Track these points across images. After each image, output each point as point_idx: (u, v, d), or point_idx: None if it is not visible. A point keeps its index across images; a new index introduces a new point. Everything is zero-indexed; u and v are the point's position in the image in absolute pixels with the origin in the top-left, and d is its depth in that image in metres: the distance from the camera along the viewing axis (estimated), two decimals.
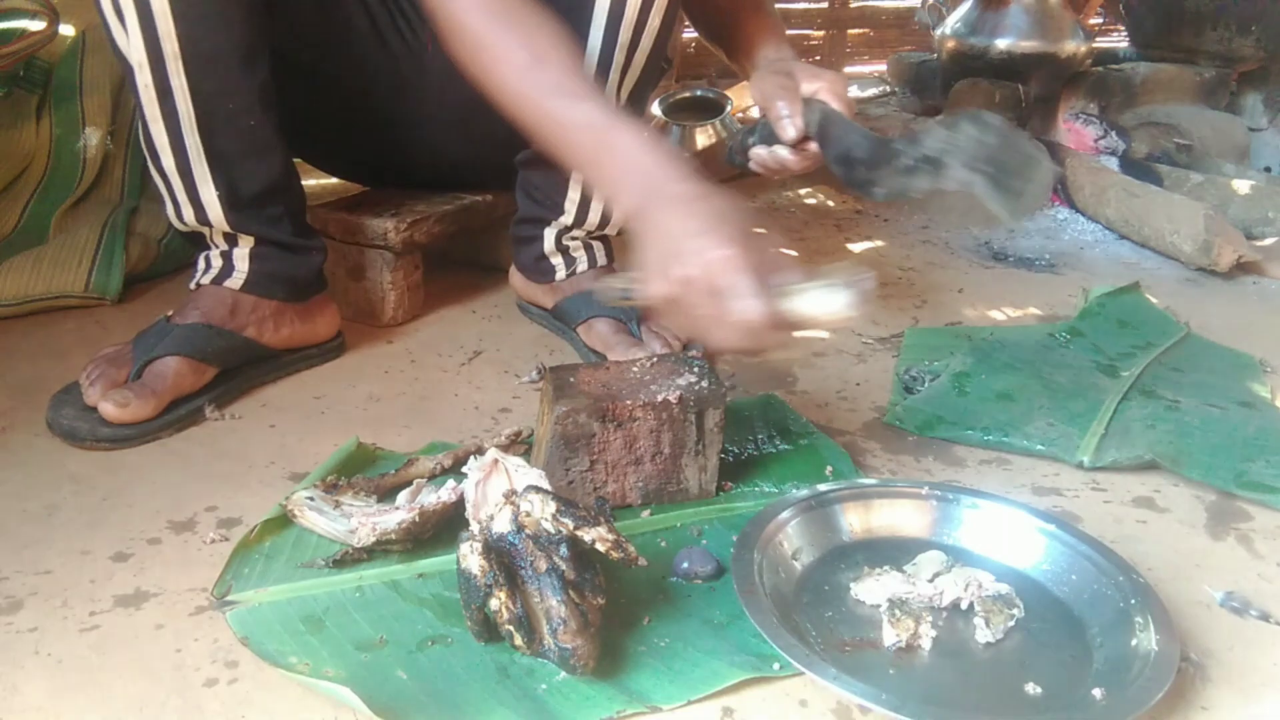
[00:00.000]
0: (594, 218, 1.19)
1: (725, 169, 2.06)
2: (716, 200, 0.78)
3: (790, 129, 1.00)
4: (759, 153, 1.05)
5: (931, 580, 0.77)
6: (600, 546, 0.69)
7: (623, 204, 0.83)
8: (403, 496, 0.85)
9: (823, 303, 0.74)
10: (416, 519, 0.80)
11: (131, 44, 0.95)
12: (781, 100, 1.00)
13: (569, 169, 0.92)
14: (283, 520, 0.84)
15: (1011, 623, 0.74)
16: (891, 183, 0.92)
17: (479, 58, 0.90)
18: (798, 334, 0.76)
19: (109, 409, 0.97)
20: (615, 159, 0.82)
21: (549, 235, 1.22)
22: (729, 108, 2.13)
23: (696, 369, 0.91)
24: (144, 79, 0.97)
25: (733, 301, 0.72)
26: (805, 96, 1.01)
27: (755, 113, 1.09)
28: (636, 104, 1.17)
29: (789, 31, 3.09)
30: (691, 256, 0.74)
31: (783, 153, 1.03)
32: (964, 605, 0.75)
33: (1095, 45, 2.13)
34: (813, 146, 1.01)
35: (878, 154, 0.93)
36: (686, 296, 0.75)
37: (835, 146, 0.97)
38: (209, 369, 1.05)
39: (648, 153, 0.81)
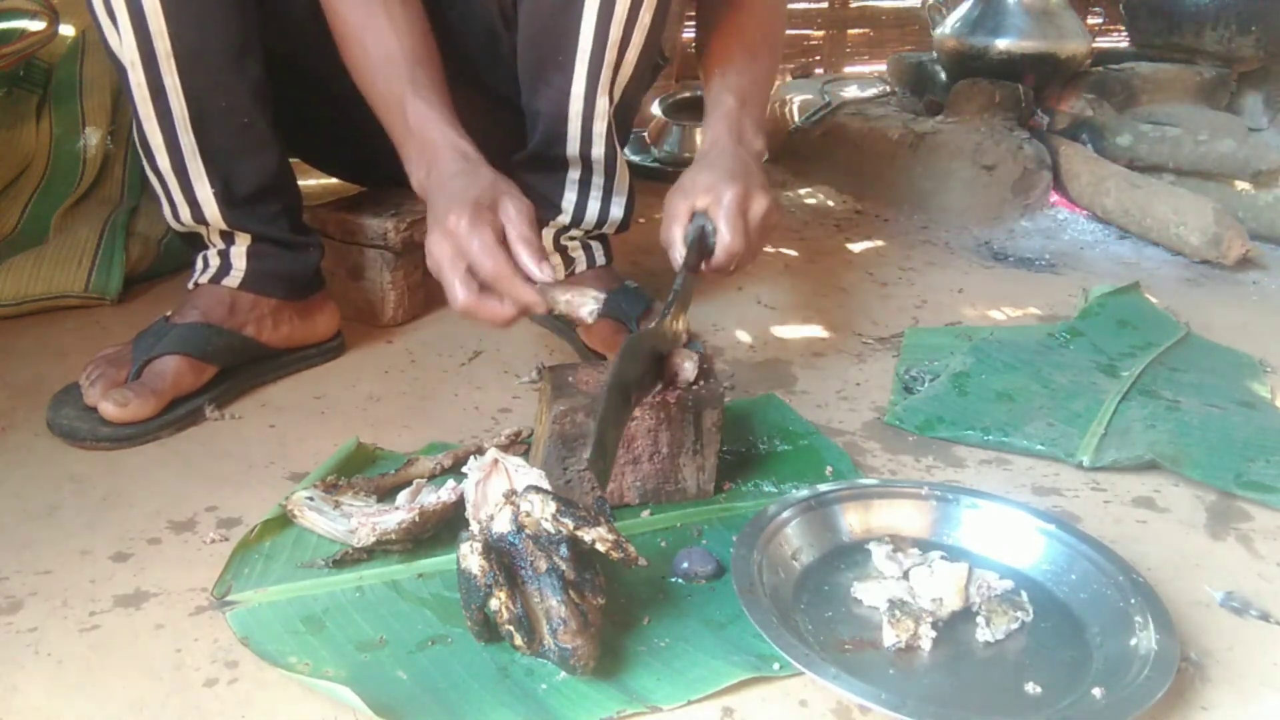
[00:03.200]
0: (591, 217, 1.19)
1: None
2: (464, 180, 0.90)
3: (676, 257, 0.96)
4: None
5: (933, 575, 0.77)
6: (600, 546, 0.69)
7: (414, 181, 0.97)
8: (403, 496, 0.85)
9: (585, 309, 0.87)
10: (416, 519, 0.80)
11: (124, 44, 0.95)
12: (671, 226, 0.97)
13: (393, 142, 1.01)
14: (283, 520, 0.84)
15: (1016, 624, 0.74)
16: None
17: (333, 28, 1.01)
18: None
19: (109, 409, 0.97)
20: (412, 138, 0.96)
21: (547, 235, 1.22)
22: None
23: (695, 367, 0.91)
24: (137, 78, 0.97)
25: (473, 263, 0.84)
26: (697, 210, 0.97)
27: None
28: (631, 100, 1.17)
29: (789, 32, 3.09)
30: (435, 230, 0.87)
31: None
32: (974, 608, 0.75)
33: (1095, 45, 2.13)
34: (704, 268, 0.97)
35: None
36: (437, 264, 0.86)
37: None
38: (209, 368, 1.05)
39: (433, 132, 0.95)
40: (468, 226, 0.84)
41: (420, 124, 0.96)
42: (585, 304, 0.87)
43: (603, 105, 1.08)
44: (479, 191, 0.88)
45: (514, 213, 0.87)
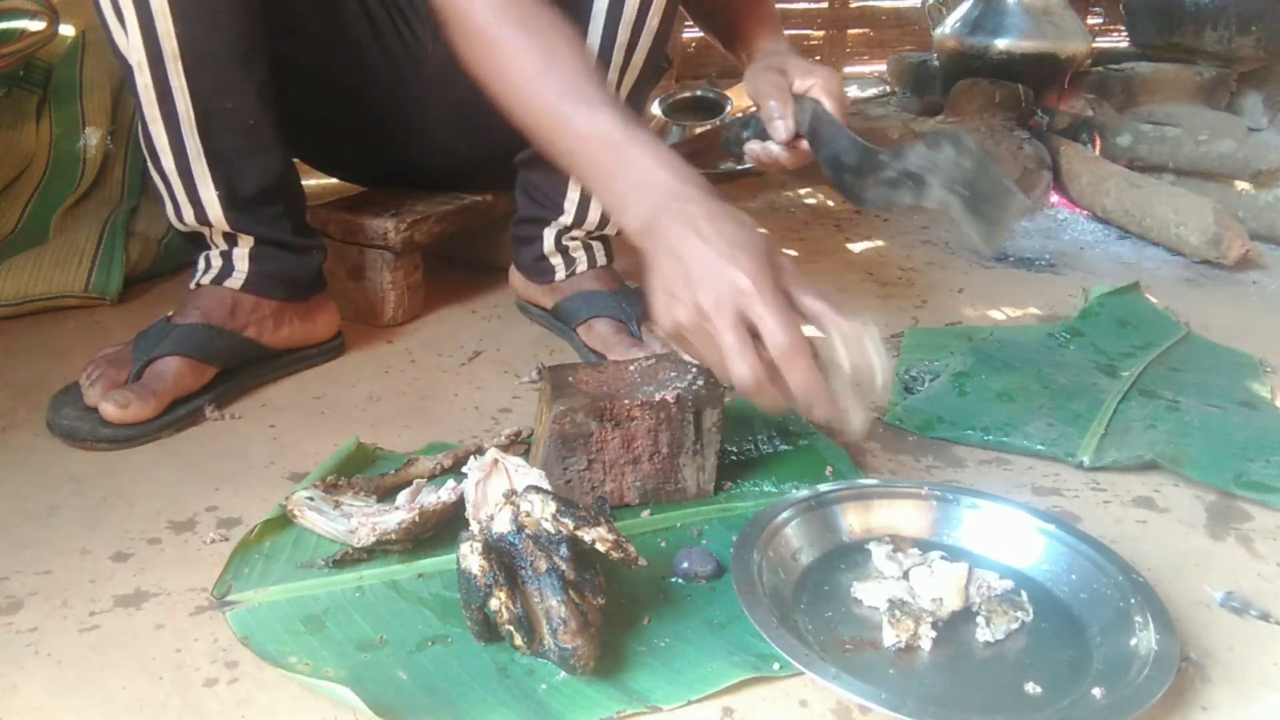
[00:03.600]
0: (593, 217, 1.19)
1: (722, 161, 2.06)
2: (736, 220, 0.75)
3: (781, 129, 0.99)
4: (753, 148, 1.04)
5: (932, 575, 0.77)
6: (600, 547, 0.69)
7: (632, 219, 0.79)
8: (403, 496, 0.85)
9: (856, 350, 0.72)
10: (416, 519, 0.80)
11: (131, 44, 0.95)
12: (773, 99, 0.99)
13: (575, 177, 0.90)
14: (283, 520, 0.84)
15: (1016, 625, 0.74)
16: (876, 192, 0.93)
17: (487, 59, 0.87)
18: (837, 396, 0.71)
19: (109, 409, 0.97)
20: (627, 171, 0.79)
21: (548, 235, 1.22)
22: (729, 108, 2.14)
23: (695, 369, 0.91)
24: (143, 79, 0.97)
25: (761, 333, 0.69)
26: (797, 94, 1.00)
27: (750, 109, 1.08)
28: (636, 103, 1.17)
29: (789, 32, 3.09)
30: (710, 282, 0.71)
31: (775, 149, 1.02)
32: (974, 608, 0.75)
33: (1095, 45, 2.13)
34: (804, 145, 1.00)
35: (864, 163, 0.93)
36: (703, 326, 0.72)
37: (825, 149, 0.97)
38: (209, 369, 1.05)
39: (662, 166, 0.78)
40: (759, 286, 0.70)
41: (643, 160, 0.79)
42: (854, 418, 0.75)
43: None
44: (758, 242, 0.73)
45: (793, 267, 0.74)
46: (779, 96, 0.99)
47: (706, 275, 0.72)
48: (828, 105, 0.98)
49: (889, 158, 0.91)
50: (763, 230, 0.76)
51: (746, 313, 0.71)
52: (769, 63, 1.04)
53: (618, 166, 0.80)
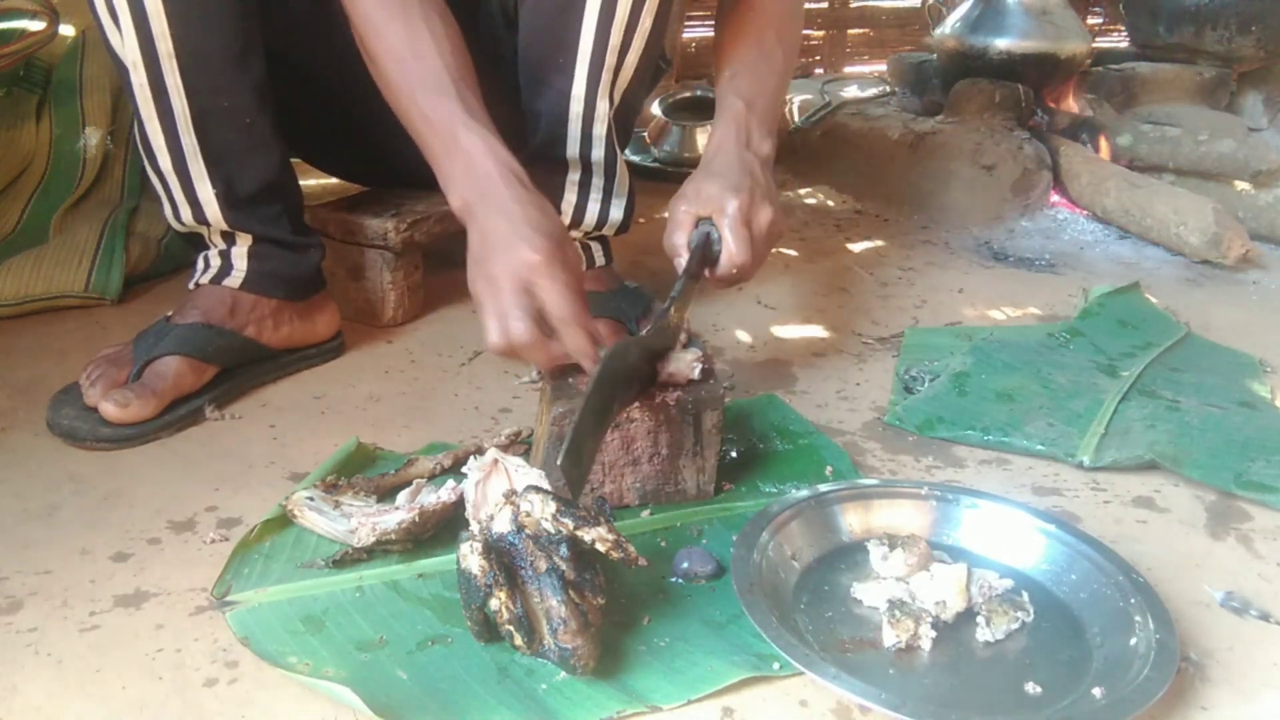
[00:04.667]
0: (590, 218, 1.19)
1: None
2: (540, 208, 0.86)
3: (679, 264, 0.96)
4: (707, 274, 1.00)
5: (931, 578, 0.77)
6: (600, 547, 0.69)
7: (455, 198, 0.90)
8: (403, 496, 0.85)
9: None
10: (416, 519, 0.80)
11: (126, 44, 0.95)
12: (675, 232, 0.97)
13: (423, 155, 0.96)
14: (283, 520, 0.84)
15: (1016, 625, 0.74)
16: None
17: (366, 41, 0.96)
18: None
19: (109, 409, 0.97)
20: (458, 158, 0.90)
21: None
22: None
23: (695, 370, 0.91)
24: (139, 79, 0.97)
25: (539, 301, 0.81)
26: (701, 216, 0.96)
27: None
28: (632, 104, 1.17)
29: None
30: (504, 253, 0.82)
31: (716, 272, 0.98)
32: (975, 608, 0.75)
33: (1095, 45, 2.13)
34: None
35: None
36: (491, 292, 0.83)
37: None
38: (209, 369, 1.05)
39: (488, 158, 0.89)
40: (547, 262, 0.81)
41: (473, 147, 0.90)
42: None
43: (603, 108, 1.08)
44: (554, 228, 0.85)
45: (576, 262, 0.85)
46: (679, 225, 0.97)
47: (501, 248, 0.83)
48: (724, 231, 0.94)
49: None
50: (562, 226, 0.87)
51: (530, 284, 0.82)
52: (685, 188, 1.00)
53: (452, 152, 0.90)
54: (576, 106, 1.07)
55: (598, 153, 1.12)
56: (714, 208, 0.95)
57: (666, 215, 0.99)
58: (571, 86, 1.06)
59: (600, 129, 1.10)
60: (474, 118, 0.91)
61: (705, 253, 0.95)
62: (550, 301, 0.82)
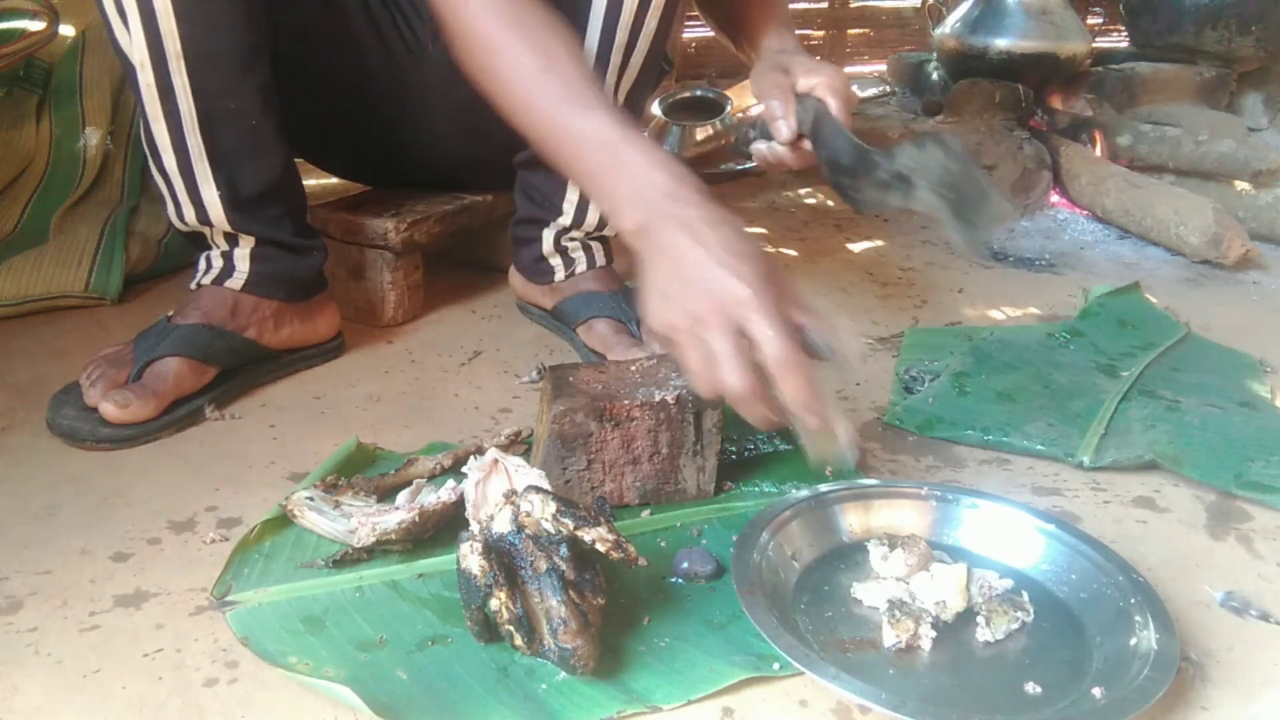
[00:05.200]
0: (592, 218, 1.19)
1: (723, 161, 2.06)
2: (734, 228, 0.74)
3: (783, 129, 0.98)
4: (759, 148, 1.03)
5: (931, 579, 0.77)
6: (600, 547, 0.69)
7: (627, 220, 0.78)
8: (403, 496, 0.85)
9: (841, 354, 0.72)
10: (416, 519, 0.80)
11: (134, 43, 0.95)
12: (775, 98, 0.99)
13: (573, 180, 0.91)
14: (283, 520, 0.84)
15: (1016, 625, 0.74)
16: (869, 194, 0.93)
17: (487, 62, 0.87)
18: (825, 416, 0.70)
19: (109, 409, 0.97)
20: (623, 173, 0.79)
21: (547, 236, 1.22)
22: (729, 108, 2.13)
23: None
24: (146, 78, 0.97)
25: (754, 343, 0.69)
26: (801, 93, 0.99)
27: (755, 112, 1.08)
28: (634, 105, 1.17)
29: None
30: (706, 287, 0.70)
31: (780, 149, 1.01)
32: (975, 608, 0.75)
33: (1095, 45, 2.13)
34: (807, 145, 1.00)
35: (859, 164, 0.93)
36: (695, 331, 0.71)
37: (823, 150, 0.97)
38: (209, 369, 1.05)
39: (659, 169, 0.77)
40: (760, 298, 0.69)
41: (639, 162, 0.78)
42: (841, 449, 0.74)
43: None
44: (756, 252, 0.73)
45: (794, 290, 0.73)
46: (781, 96, 0.99)
47: (703, 280, 0.71)
48: (831, 105, 0.97)
49: (881, 159, 0.91)
50: (758, 242, 0.75)
51: (742, 323, 0.70)
52: (773, 61, 1.03)
53: (614, 169, 0.79)
54: None
55: None
56: (824, 79, 0.96)
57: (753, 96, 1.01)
58: None
59: None
60: (632, 130, 0.80)
61: (817, 131, 0.97)
62: (768, 345, 0.69)
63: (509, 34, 0.85)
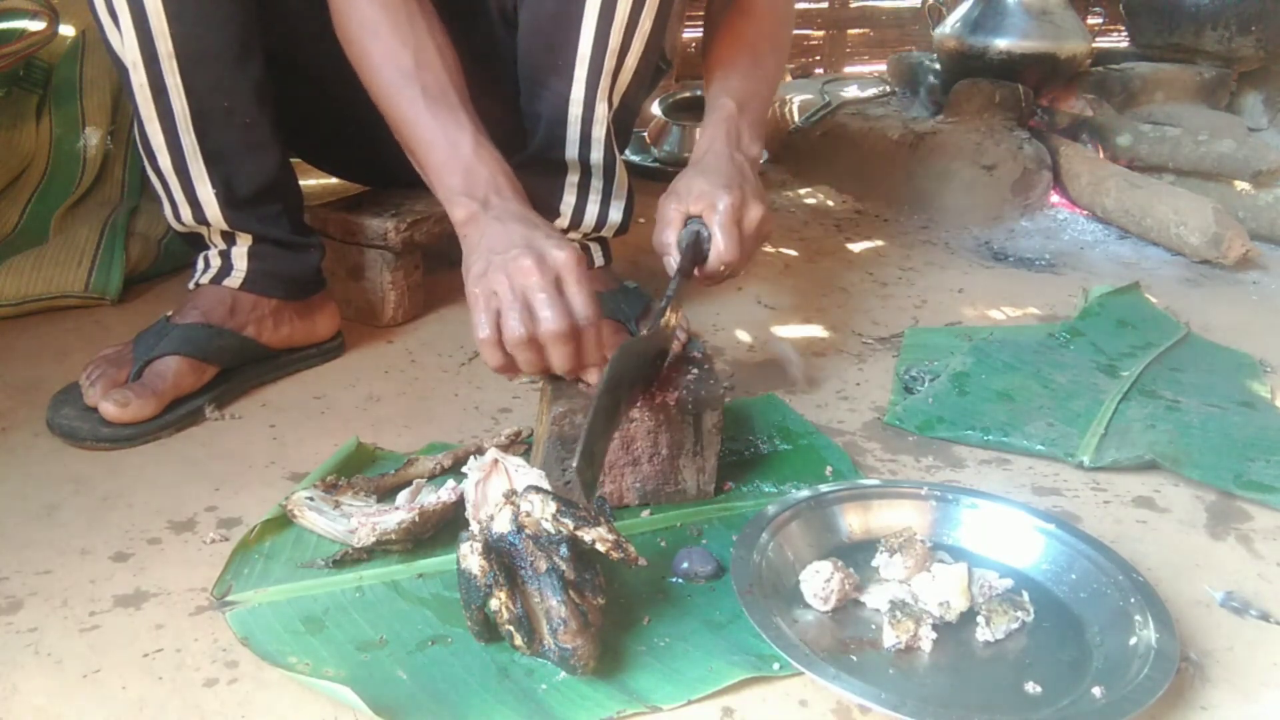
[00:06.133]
0: (589, 221, 1.19)
1: None
2: (531, 224, 0.87)
3: (670, 262, 0.96)
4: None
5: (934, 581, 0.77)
6: (600, 547, 0.69)
7: (460, 211, 0.91)
8: (403, 496, 0.85)
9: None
10: (416, 519, 0.80)
11: (125, 44, 0.95)
12: (664, 230, 0.97)
13: (416, 164, 0.98)
14: (283, 520, 0.84)
15: (1016, 624, 0.74)
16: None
17: (360, 43, 0.97)
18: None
19: (109, 409, 0.97)
20: (457, 170, 0.92)
21: None
22: None
23: (696, 370, 0.91)
24: (139, 79, 0.97)
25: (533, 318, 0.81)
26: (691, 214, 0.97)
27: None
28: (630, 107, 1.17)
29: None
30: (506, 270, 0.83)
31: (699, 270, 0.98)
32: (975, 607, 0.75)
33: (1095, 45, 2.13)
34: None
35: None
36: (490, 305, 0.83)
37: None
38: (209, 368, 1.05)
39: (497, 169, 0.92)
40: (577, 262, 0.83)
41: (480, 159, 0.92)
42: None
43: (601, 110, 1.08)
44: (548, 238, 0.85)
45: (572, 263, 0.84)
46: (669, 222, 0.97)
47: (525, 248, 0.84)
48: (715, 230, 0.94)
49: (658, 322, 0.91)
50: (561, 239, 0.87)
51: (561, 283, 0.83)
52: (678, 180, 1.01)
53: (451, 163, 0.92)
54: (575, 109, 1.07)
55: (596, 155, 1.12)
56: (705, 205, 0.96)
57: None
58: (570, 89, 1.06)
59: (599, 131, 1.10)
60: (479, 129, 0.93)
61: (696, 250, 0.95)
62: (578, 300, 0.82)
63: (387, 22, 0.95)
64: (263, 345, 1.10)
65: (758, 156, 1.07)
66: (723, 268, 0.95)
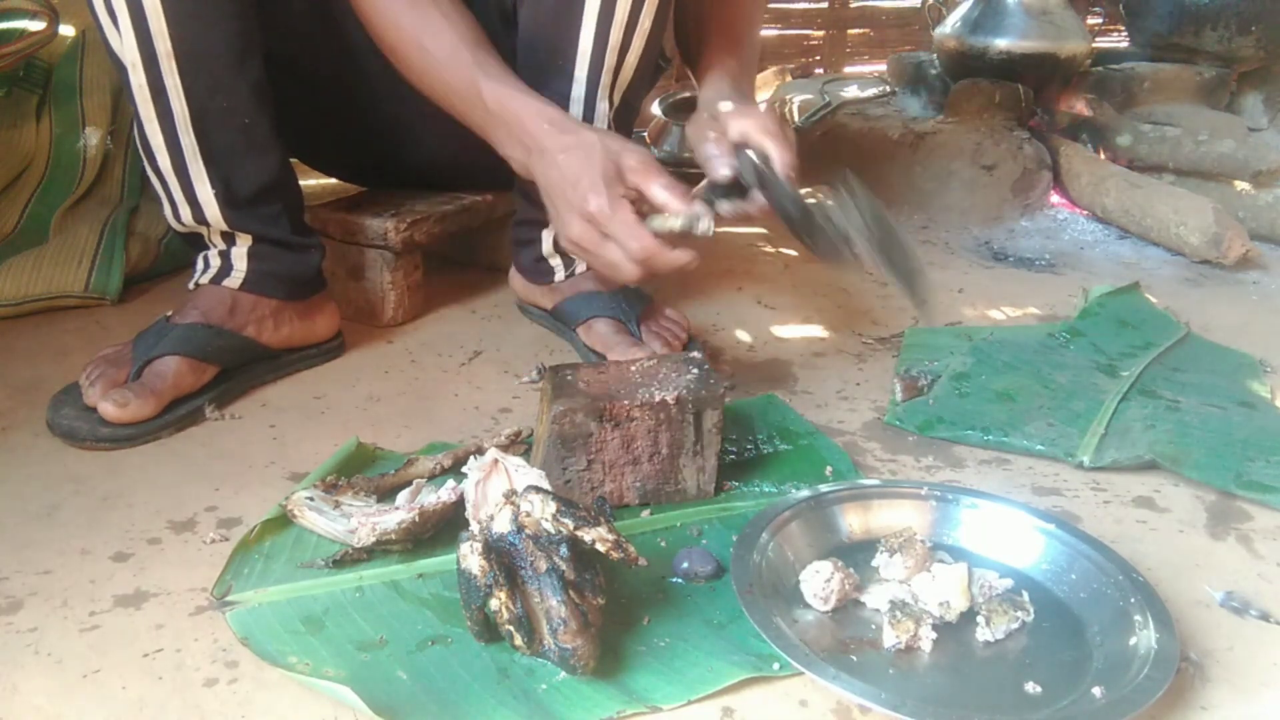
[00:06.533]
0: None
1: None
2: (583, 153, 0.89)
3: (720, 168, 0.95)
4: (723, 208, 0.98)
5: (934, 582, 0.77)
6: (600, 547, 0.69)
7: (515, 166, 0.97)
8: (403, 496, 0.85)
9: (688, 224, 0.89)
10: (416, 519, 0.80)
11: (125, 44, 0.96)
12: (709, 144, 0.97)
13: (470, 127, 1.01)
14: (283, 520, 0.84)
15: (1016, 624, 0.74)
16: (825, 249, 0.94)
17: (384, 38, 1.01)
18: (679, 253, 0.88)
19: (109, 409, 0.97)
20: (498, 124, 0.95)
21: (547, 237, 1.22)
22: None
23: (696, 369, 0.91)
24: (138, 79, 0.97)
25: (619, 249, 0.87)
26: (735, 142, 0.96)
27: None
28: (631, 104, 1.17)
29: (789, 32, 3.08)
30: (569, 214, 0.88)
31: (742, 204, 0.97)
32: (975, 607, 0.75)
33: (1095, 45, 2.13)
34: (759, 196, 0.96)
35: (804, 222, 0.93)
36: (580, 251, 0.90)
37: (774, 205, 0.94)
38: (209, 368, 1.05)
39: (526, 108, 0.93)
40: (608, 209, 0.87)
41: (500, 103, 0.95)
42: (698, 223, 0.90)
43: (602, 109, 1.08)
44: (600, 163, 0.88)
45: (639, 166, 0.89)
46: (715, 142, 0.96)
47: (568, 210, 0.89)
48: (769, 150, 0.93)
49: (823, 219, 0.92)
50: (614, 142, 0.91)
51: (605, 231, 0.89)
52: (708, 108, 1.01)
53: (490, 120, 0.96)
54: (576, 108, 1.08)
55: None
56: (752, 124, 0.95)
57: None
58: (571, 88, 1.06)
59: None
60: (493, 77, 0.95)
61: (762, 179, 0.95)
62: (625, 248, 0.87)
63: (396, 9, 0.99)
64: (263, 345, 1.10)
65: None
66: (792, 174, 0.95)
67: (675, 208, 0.86)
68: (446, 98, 1.00)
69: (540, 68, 1.07)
